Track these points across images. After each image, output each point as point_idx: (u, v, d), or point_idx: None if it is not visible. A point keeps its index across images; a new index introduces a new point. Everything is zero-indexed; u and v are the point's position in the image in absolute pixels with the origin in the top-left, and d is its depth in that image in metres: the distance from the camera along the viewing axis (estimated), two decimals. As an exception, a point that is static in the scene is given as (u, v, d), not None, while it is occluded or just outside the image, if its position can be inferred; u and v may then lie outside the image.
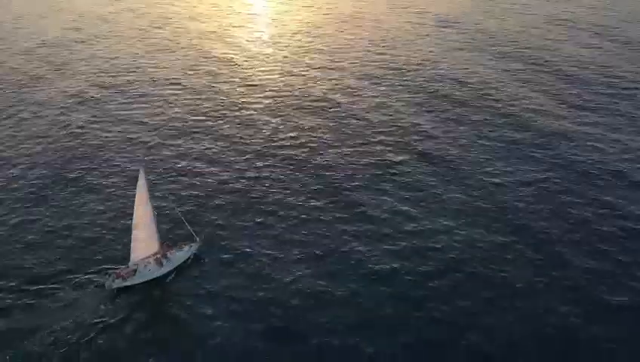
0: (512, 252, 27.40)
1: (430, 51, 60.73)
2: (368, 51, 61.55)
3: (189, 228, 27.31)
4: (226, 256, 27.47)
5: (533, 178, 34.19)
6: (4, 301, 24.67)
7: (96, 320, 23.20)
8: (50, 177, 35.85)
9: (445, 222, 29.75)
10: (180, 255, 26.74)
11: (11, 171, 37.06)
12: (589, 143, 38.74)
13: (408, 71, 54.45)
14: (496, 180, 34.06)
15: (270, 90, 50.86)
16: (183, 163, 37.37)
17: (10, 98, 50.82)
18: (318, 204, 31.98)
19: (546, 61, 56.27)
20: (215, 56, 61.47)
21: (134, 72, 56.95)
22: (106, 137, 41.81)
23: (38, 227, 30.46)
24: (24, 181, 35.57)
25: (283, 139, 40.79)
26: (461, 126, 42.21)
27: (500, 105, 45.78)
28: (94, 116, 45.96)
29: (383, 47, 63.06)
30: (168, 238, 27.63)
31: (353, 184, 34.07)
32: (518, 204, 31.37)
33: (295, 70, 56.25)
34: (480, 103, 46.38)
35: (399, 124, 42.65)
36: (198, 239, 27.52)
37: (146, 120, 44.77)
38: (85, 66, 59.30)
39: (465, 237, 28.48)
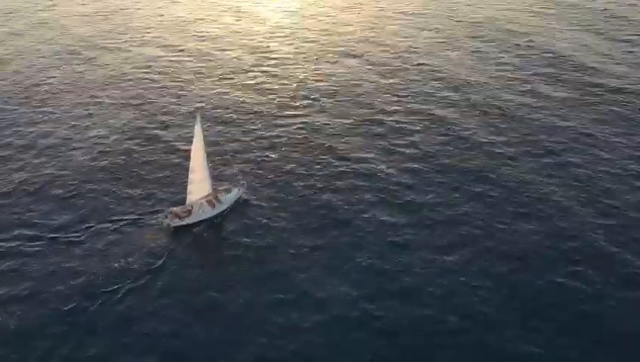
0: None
1: None
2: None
3: (237, 172, 28.70)
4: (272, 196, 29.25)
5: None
6: (66, 237, 26.41)
7: (153, 259, 24.93)
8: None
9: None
10: (230, 197, 28.35)
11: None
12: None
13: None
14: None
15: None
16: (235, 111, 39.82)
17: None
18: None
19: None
20: None
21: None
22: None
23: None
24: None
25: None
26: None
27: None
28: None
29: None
30: (219, 181, 29.21)
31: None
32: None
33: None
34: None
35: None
36: (245, 183, 29.09)
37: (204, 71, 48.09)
38: None
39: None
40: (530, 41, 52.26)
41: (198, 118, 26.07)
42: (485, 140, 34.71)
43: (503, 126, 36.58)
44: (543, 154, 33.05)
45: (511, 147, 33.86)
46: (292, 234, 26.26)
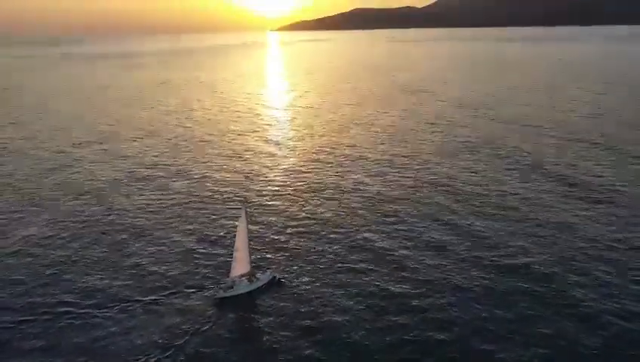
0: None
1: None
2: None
3: (272, 257, 34.60)
4: (298, 282, 34.48)
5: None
6: (124, 310, 31.72)
7: (198, 325, 29.76)
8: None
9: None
10: (265, 276, 33.88)
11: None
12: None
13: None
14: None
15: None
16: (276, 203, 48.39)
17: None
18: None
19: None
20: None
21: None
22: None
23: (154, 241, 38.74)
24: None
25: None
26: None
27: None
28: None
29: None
30: (258, 261, 35.08)
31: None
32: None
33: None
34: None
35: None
36: (275, 268, 34.96)
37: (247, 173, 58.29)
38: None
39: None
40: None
41: (244, 210, 32.98)
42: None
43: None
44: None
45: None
46: (315, 313, 30.73)
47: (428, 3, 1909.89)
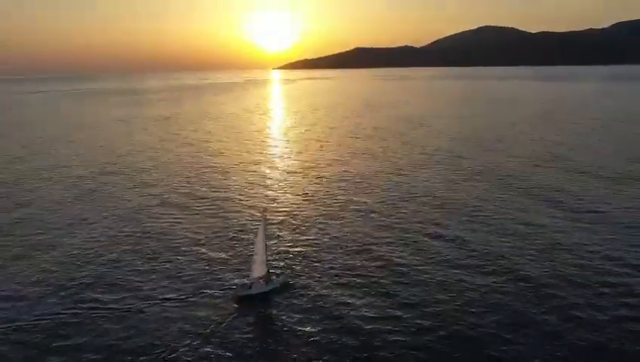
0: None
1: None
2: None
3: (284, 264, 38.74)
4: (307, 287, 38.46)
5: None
6: (156, 300, 35.76)
7: (220, 320, 33.57)
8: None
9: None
10: (279, 279, 37.85)
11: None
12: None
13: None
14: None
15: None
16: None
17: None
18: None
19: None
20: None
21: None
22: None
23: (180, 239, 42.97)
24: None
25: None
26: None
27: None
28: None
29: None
30: (273, 265, 39.21)
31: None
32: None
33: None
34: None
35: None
36: (289, 272, 39.03)
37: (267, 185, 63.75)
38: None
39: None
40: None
41: (263, 218, 37.43)
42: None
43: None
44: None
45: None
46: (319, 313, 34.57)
47: (426, 43, 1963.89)
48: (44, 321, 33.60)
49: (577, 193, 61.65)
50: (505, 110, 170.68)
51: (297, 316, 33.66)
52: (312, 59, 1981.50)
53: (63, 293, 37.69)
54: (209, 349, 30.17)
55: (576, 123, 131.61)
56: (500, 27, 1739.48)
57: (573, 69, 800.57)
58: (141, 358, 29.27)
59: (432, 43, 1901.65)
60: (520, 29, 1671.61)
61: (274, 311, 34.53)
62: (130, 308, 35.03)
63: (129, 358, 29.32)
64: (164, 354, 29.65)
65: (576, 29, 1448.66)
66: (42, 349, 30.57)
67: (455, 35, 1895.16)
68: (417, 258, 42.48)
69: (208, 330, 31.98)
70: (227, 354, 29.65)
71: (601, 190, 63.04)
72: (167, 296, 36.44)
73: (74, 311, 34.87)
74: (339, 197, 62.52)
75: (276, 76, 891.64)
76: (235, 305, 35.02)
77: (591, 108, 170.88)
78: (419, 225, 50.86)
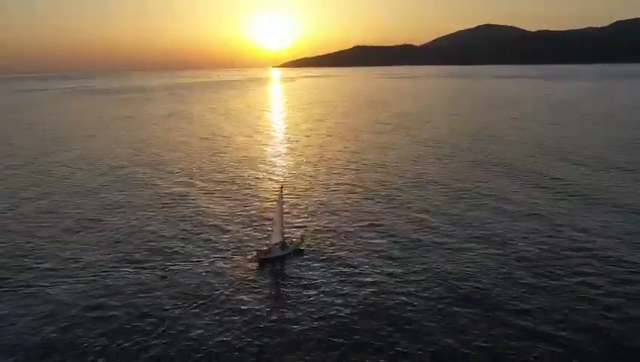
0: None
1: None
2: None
3: (301, 232, 45.76)
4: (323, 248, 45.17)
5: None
6: (189, 262, 42.45)
7: (243, 278, 40.26)
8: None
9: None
10: (293, 245, 44.54)
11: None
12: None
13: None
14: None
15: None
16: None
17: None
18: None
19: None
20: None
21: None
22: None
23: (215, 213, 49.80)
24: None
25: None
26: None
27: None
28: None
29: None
30: (289, 232, 46.15)
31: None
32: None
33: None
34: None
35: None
36: (304, 238, 45.75)
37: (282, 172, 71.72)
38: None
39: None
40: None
41: (281, 189, 44.37)
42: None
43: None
44: None
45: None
46: (326, 275, 41.57)
47: (426, 41, 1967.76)
48: (100, 277, 40.56)
49: (578, 181, 68.31)
50: (505, 107, 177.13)
51: (307, 273, 40.46)
52: (312, 58, 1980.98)
53: (116, 256, 44.73)
54: (239, 297, 36.96)
55: (574, 119, 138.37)
56: (500, 25, 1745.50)
57: (573, 67, 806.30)
58: (185, 303, 36.06)
59: (431, 41, 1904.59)
60: (520, 27, 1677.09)
61: (288, 270, 41.34)
62: (172, 268, 41.78)
63: (176, 303, 36.17)
64: (205, 301, 36.47)
65: (576, 28, 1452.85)
66: (109, 296, 37.45)
67: (455, 33, 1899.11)
68: (421, 233, 49.07)
69: (237, 283, 38.76)
70: (252, 300, 36.49)
71: (604, 177, 69.64)
72: (202, 259, 43.55)
73: (127, 270, 41.74)
74: (347, 179, 70.52)
75: (276, 74, 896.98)
76: (257, 265, 41.78)
77: (590, 105, 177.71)
78: (424, 206, 57.46)
